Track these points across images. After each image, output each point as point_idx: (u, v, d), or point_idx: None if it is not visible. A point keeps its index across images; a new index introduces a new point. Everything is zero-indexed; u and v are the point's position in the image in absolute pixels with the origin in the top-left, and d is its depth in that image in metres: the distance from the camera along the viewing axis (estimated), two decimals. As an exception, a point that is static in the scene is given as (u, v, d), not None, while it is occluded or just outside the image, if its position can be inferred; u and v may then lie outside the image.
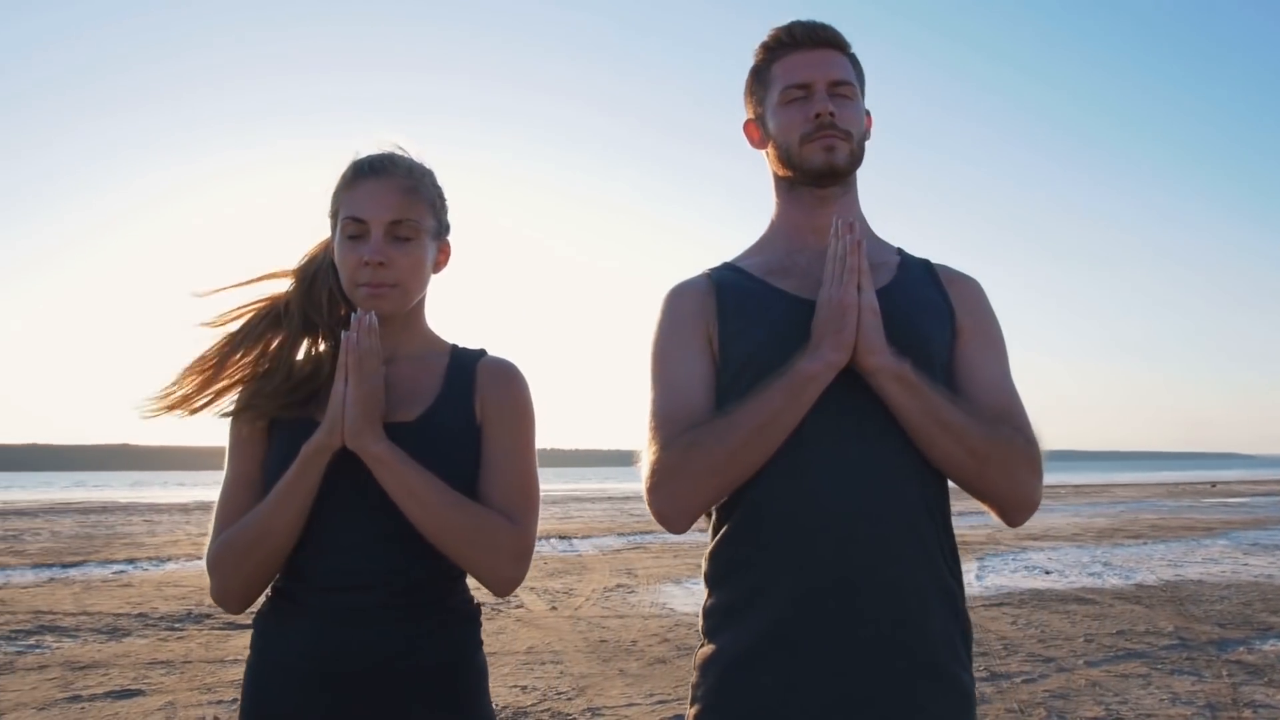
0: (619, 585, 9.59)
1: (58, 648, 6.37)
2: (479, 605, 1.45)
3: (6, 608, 7.92)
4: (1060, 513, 21.60)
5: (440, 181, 1.50)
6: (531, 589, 9.15)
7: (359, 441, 1.32)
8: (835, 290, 1.28)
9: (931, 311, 1.39)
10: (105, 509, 24.59)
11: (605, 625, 7.21)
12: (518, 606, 8.05)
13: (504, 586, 1.36)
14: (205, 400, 1.44)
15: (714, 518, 1.37)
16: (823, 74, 1.40)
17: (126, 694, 5.13)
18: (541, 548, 13.74)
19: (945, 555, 1.33)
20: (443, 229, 1.49)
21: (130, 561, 11.74)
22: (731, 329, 1.37)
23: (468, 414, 1.42)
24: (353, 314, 1.36)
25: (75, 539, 15.05)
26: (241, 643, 6.39)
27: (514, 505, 1.37)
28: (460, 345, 1.52)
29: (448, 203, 1.51)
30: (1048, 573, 10.57)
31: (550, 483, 51.24)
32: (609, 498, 31.62)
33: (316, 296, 1.47)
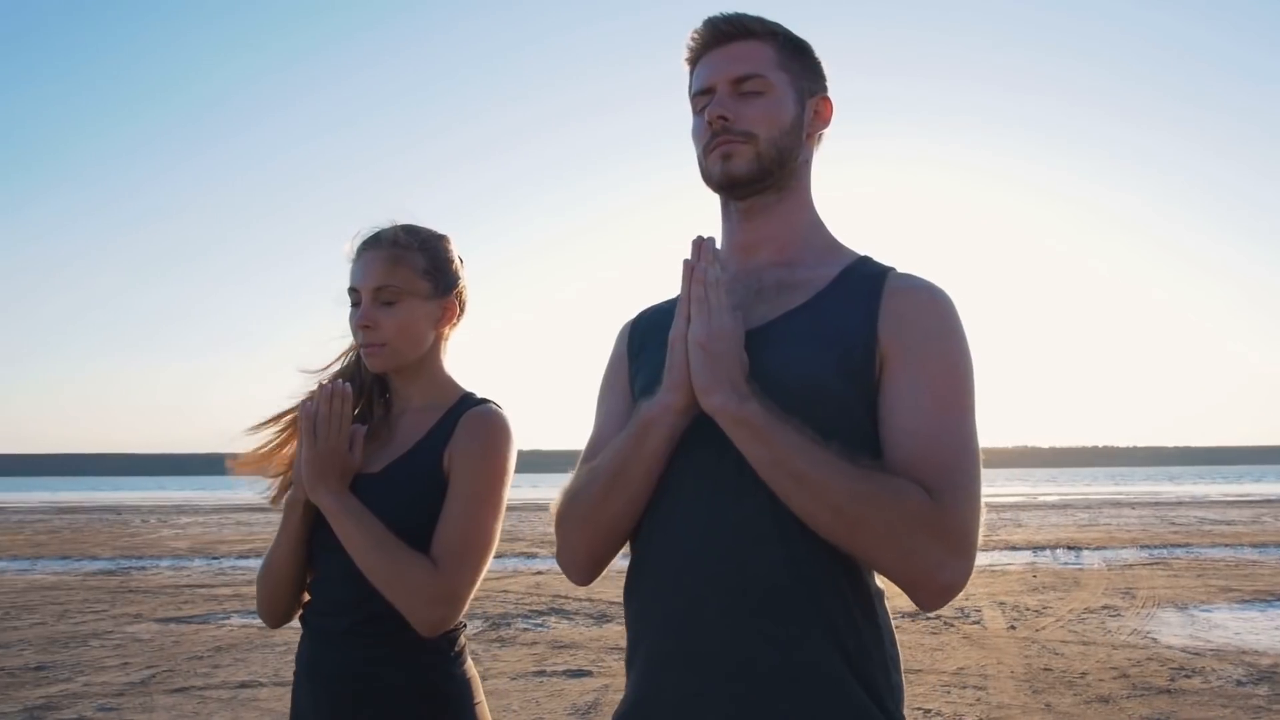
0: (1105, 606, 8.46)
1: (555, 627, 7.60)
2: (454, 636, 1.54)
3: (538, 592, 9.63)
4: None
5: (450, 246, 1.65)
6: (1000, 604, 8.51)
7: (313, 495, 1.51)
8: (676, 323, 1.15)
9: (828, 339, 1.15)
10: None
11: (1060, 652, 6.45)
12: (974, 622, 7.58)
13: (423, 627, 1.45)
14: (275, 471, 1.68)
15: None
16: (723, 73, 1.23)
17: (579, 674, 5.95)
18: (1040, 557, 12.61)
19: (836, 632, 1.09)
20: (441, 289, 1.61)
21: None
22: (634, 368, 1.31)
23: (435, 464, 1.53)
24: (320, 384, 1.55)
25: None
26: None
27: (446, 552, 1.46)
28: (472, 395, 1.62)
29: (455, 263, 1.65)
30: None
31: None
32: (1155, 502, 27.69)
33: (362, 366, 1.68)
